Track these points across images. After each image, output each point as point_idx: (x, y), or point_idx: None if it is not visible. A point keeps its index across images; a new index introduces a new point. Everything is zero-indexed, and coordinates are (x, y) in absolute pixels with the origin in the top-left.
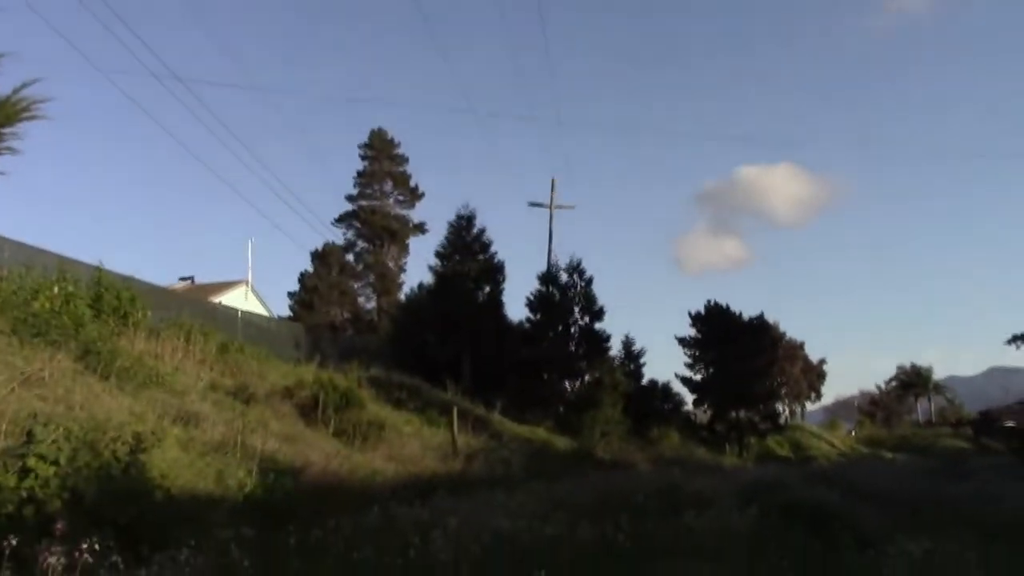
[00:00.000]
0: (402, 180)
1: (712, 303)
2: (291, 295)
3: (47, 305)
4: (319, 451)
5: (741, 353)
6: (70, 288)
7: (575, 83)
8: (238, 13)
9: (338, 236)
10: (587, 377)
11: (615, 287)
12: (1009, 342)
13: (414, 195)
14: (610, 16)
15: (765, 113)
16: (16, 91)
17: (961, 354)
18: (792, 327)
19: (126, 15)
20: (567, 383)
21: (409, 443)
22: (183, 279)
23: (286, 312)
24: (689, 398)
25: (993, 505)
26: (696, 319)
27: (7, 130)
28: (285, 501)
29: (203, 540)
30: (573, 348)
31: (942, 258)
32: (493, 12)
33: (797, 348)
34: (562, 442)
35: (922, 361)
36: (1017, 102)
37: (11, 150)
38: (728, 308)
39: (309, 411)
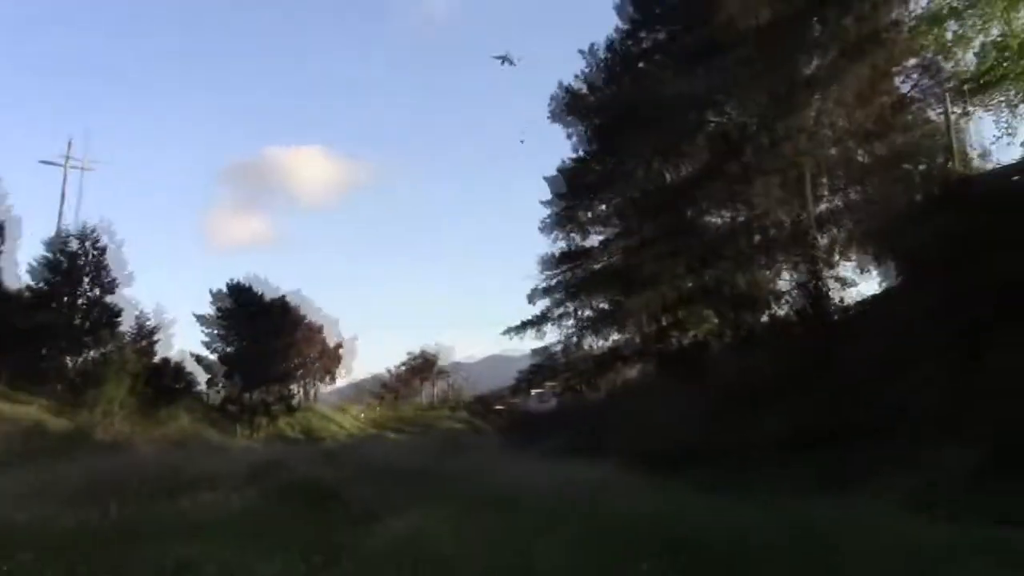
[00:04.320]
0: None
1: (235, 282)
2: None
3: None
4: None
5: (260, 334)
6: None
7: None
8: None
9: None
10: (93, 353)
11: (151, 257)
12: (504, 333)
13: None
14: None
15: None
16: None
17: (471, 339)
18: (331, 307)
19: None
20: (69, 359)
21: None
22: None
23: None
24: (203, 378)
25: (485, 478)
26: (217, 297)
27: None
28: None
29: None
30: (79, 321)
31: (460, 244)
32: None
33: (316, 331)
34: (60, 423)
35: (444, 342)
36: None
37: None
38: (251, 288)
39: None
